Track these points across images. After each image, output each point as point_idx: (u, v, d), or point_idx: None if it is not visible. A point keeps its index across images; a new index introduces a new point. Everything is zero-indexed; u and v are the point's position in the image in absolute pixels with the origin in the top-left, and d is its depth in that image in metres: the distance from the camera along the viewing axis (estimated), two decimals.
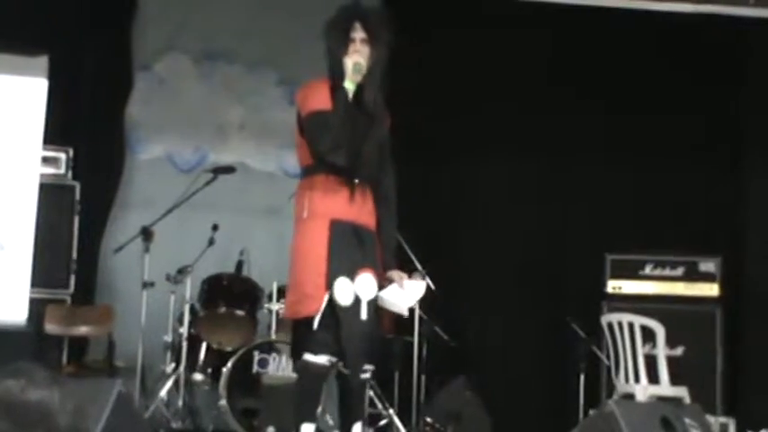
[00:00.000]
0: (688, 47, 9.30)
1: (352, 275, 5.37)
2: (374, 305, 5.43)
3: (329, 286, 5.32)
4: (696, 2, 8.02)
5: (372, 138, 5.52)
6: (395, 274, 5.66)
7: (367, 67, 5.47)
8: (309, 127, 5.49)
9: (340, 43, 5.49)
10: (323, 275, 5.34)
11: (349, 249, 5.42)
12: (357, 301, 5.36)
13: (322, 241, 5.40)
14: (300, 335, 5.54)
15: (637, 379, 7.71)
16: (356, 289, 5.36)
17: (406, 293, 5.65)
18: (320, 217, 5.46)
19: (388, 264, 5.66)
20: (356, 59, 5.43)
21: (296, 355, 5.64)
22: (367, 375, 5.61)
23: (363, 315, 5.36)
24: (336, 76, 5.48)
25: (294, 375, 7.49)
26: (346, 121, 5.40)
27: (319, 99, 5.48)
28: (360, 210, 5.51)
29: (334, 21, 5.59)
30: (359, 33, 5.50)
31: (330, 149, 5.40)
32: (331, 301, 5.31)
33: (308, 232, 5.49)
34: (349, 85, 5.42)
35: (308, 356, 5.37)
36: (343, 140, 5.39)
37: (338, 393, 5.65)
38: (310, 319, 5.34)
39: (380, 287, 5.56)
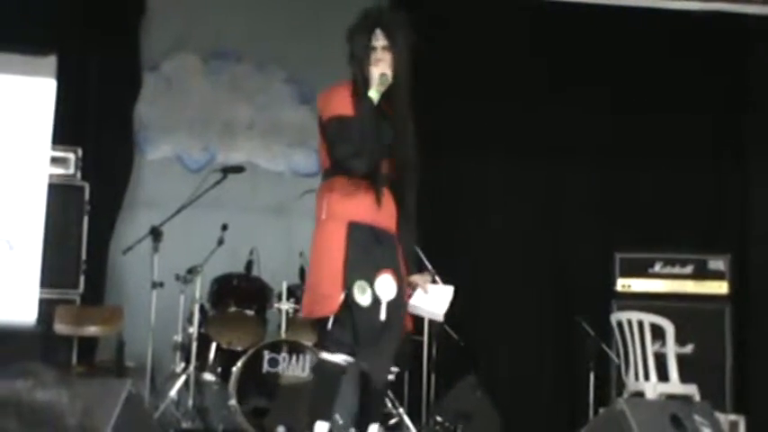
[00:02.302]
0: (694, 46, 9.29)
1: (370, 276, 5.40)
2: (393, 306, 5.44)
3: (345, 286, 5.34)
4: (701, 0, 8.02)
5: (396, 146, 5.56)
6: (418, 278, 5.72)
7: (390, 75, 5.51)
8: (330, 132, 5.51)
9: (362, 51, 5.51)
10: (339, 276, 5.36)
11: (367, 251, 5.45)
12: (376, 302, 5.38)
13: (339, 242, 5.42)
14: (319, 334, 5.66)
15: (646, 377, 7.71)
16: (376, 290, 5.39)
17: (435, 298, 5.69)
18: (338, 219, 5.48)
19: (410, 270, 5.71)
20: (383, 70, 5.44)
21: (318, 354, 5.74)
22: (391, 377, 5.64)
23: (383, 316, 5.38)
24: (360, 83, 5.50)
25: (303, 375, 7.55)
26: (369, 129, 5.42)
27: (341, 104, 5.50)
28: (379, 212, 5.53)
29: (355, 27, 5.61)
30: (380, 41, 5.52)
31: (349, 156, 5.44)
32: (347, 302, 5.34)
33: (325, 234, 5.50)
34: (374, 95, 5.44)
35: (325, 355, 5.41)
36: (364, 149, 5.41)
37: (359, 393, 5.67)
38: (326, 320, 5.38)
39: (407, 294, 5.61)
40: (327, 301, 5.37)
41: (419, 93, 5.71)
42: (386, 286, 5.42)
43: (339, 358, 5.35)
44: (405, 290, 5.57)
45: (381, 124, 5.49)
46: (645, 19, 8.69)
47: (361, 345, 5.34)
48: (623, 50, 9.27)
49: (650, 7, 8.24)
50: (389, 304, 5.40)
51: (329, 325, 5.36)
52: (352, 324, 5.33)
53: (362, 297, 5.34)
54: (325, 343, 5.45)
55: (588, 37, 9.24)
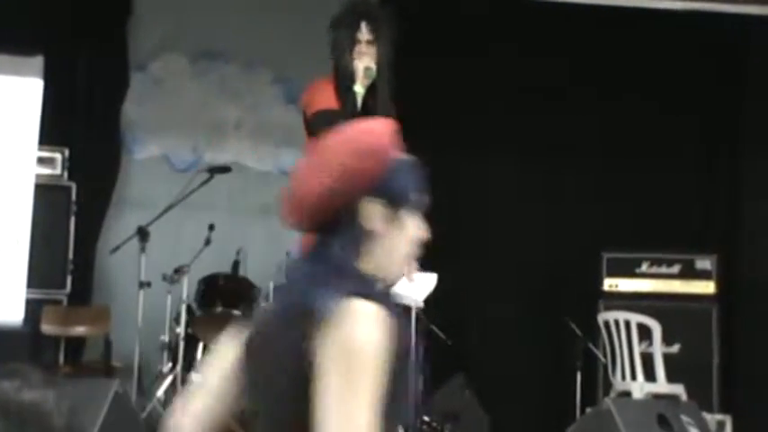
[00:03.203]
0: (685, 46, 9.30)
1: None
2: None
3: None
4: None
5: None
6: None
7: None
8: (315, 125, 5.49)
9: (346, 44, 5.50)
10: None
11: None
12: None
13: None
14: None
15: (633, 376, 7.73)
16: None
17: (417, 285, 5.69)
18: None
19: None
20: (367, 64, 5.44)
21: None
22: None
23: None
24: (343, 77, 5.49)
25: None
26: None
27: (325, 98, 5.52)
28: None
29: (339, 19, 5.59)
30: (365, 35, 5.51)
31: None
32: None
33: None
34: (359, 89, 5.44)
35: None
36: None
37: None
38: None
39: None
40: None
41: (414, 92, 5.72)
42: None
43: None
44: None
45: (366, 117, 5.49)
46: (639, 19, 8.70)
47: None
48: (616, 51, 9.28)
49: (646, 8, 8.25)
50: None
51: None
52: None
53: None
54: None
55: (581, 37, 9.24)
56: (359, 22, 5.53)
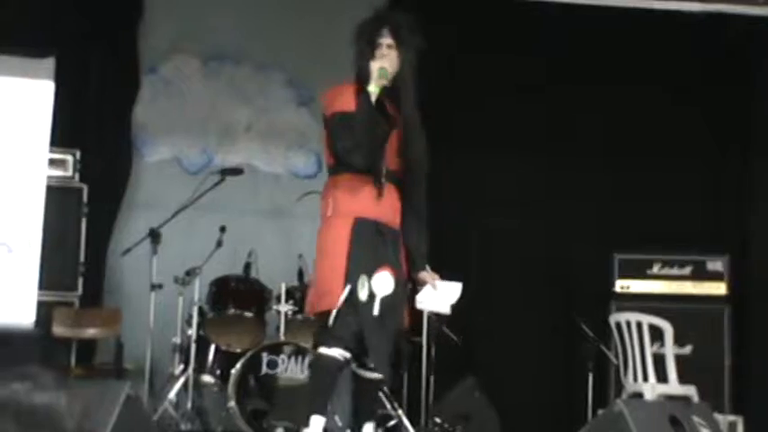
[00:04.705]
0: (696, 46, 9.29)
1: (370, 272, 5.47)
2: (389, 303, 5.49)
3: (348, 282, 5.42)
4: (704, 1, 8.01)
5: (404, 144, 5.65)
6: (426, 275, 5.80)
7: (394, 72, 5.57)
8: (332, 127, 5.61)
9: (367, 47, 5.60)
10: (342, 272, 5.45)
11: (370, 247, 5.54)
12: (371, 297, 5.45)
13: (344, 239, 5.52)
14: (318, 330, 5.70)
15: (645, 378, 7.72)
16: (372, 285, 5.45)
17: (442, 293, 5.74)
18: (344, 215, 5.57)
19: (417, 266, 5.77)
20: (381, 64, 5.54)
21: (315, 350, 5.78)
22: (379, 375, 5.68)
23: (375, 311, 5.44)
24: (362, 79, 5.56)
25: (302, 377, 7.55)
26: (368, 123, 5.47)
27: (344, 101, 5.60)
28: (384, 208, 5.64)
29: (363, 25, 5.73)
30: (386, 39, 5.64)
31: (349, 150, 5.54)
32: (350, 298, 5.40)
33: (331, 230, 5.60)
34: (373, 89, 5.52)
35: (322, 349, 5.48)
36: (363, 143, 5.47)
37: (351, 393, 5.71)
38: (328, 315, 5.44)
39: (413, 290, 5.69)
40: (329, 296, 5.46)
41: (420, 90, 5.77)
42: (383, 282, 5.49)
43: (336, 352, 5.43)
44: (403, 287, 5.63)
45: (378, 120, 5.55)
46: (646, 19, 8.69)
47: (366, 341, 5.41)
48: (623, 51, 9.27)
49: (652, 8, 8.24)
50: (384, 300, 5.46)
51: (330, 320, 5.42)
52: (353, 320, 5.40)
53: (362, 292, 5.40)
54: (323, 338, 5.52)
55: (588, 38, 9.23)
56: (381, 27, 5.63)
